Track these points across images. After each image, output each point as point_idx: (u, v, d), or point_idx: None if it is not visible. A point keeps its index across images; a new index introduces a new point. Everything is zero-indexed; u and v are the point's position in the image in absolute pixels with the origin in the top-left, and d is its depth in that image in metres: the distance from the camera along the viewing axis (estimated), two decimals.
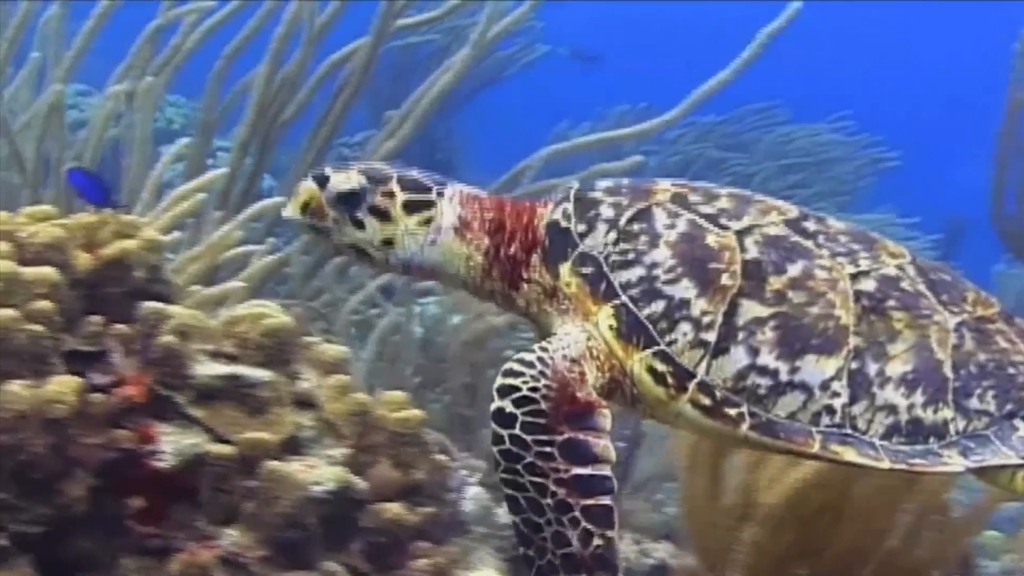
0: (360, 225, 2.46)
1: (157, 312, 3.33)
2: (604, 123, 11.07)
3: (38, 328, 3.18)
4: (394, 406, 3.50)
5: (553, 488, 2.26)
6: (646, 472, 5.27)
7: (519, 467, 2.27)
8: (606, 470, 2.29)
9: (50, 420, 3.03)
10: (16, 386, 3.04)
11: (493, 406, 2.32)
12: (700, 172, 11.15)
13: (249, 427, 3.27)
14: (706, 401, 2.36)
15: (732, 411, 2.35)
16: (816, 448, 2.34)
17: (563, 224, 2.50)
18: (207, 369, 3.30)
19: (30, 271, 3.24)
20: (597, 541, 2.25)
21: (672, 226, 2.43)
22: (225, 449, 3.22)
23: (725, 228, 2.43)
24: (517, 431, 2.28)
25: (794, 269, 2.40)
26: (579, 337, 2.40)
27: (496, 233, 2.53)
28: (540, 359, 2.35)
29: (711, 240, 2.42)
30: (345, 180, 2.46)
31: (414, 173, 2.52)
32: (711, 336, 2.35)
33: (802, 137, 11.99)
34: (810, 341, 2.35)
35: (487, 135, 12.79)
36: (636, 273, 2.40)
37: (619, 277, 2.40)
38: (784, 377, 2.35)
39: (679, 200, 2.48)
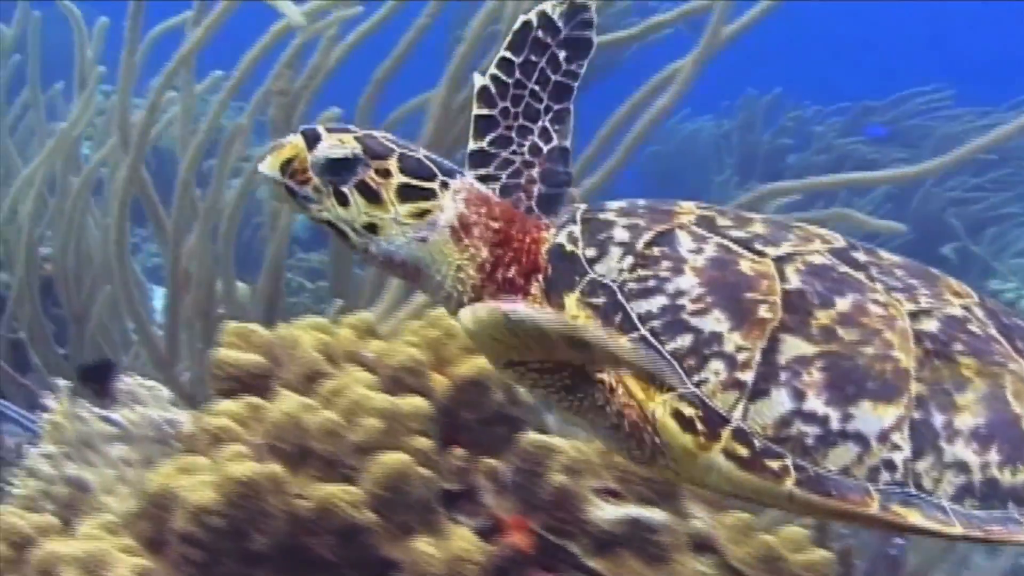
0: (343, 201, 2.12)
1: (542, 447, 2.89)
2: None
3: (427, 473, 2.75)
4: (793, 545, 3.05)
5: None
6: None
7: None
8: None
9: None
10: (424, 544, 2.61)
11: None
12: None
13: None
14: (743, 451, 2.00)
15: (774, 463, 1.99)
16: (875, 509, 1.98)
17: (568, 249, 2.16)
18: (605, 512, 2.85)
19: (406, 404, 2.81)
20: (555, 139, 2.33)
21: (699, 250, 2.10)
22: None
23: (761, 254, 2.10)
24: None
25: (843, 303, 2.07)
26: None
27: (498, 247, 2.19)
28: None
29: (745, 267, 2.08)
30: (338, 144, 2.12)
31: (420, 154, 2.17)
32: (748, 376, 2.01)
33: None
34: (865, 385, 2.01)
35: None
36: (657, 303, 2.06)
37: (637, 307, 2.06)
38: (835, 425, 2.00)
39: (706, 223, 2.16)
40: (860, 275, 2.11)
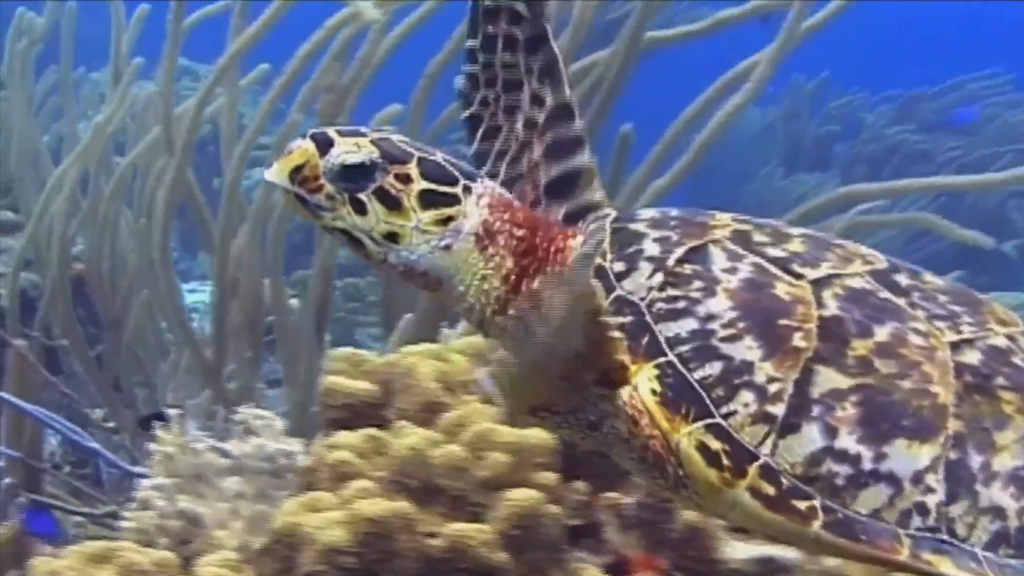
0: (361, 209, 1.99)
1: None
2: None
3: (555, 509, 2.66)
4: None
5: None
6: None
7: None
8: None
9: None
10: None
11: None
12: (903, 166, 9.37)
13: None
14: (769, 490, 1.90)
15: (802, 504, 1.89)
16: (905, 556, 1.88)
17: (596, 261, 2.05)
18: (736, 551, 2.77)
19: (533, 437, 2.72)
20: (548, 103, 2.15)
21: (733, 270, 1.98)
22: None
23: (799, 276, 1.99)
24: None
25: (882, 332, 1.96)
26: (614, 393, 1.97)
27: (523, 257, 2.07)
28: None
29: (781, 290, 1.97)
30: (353, 149, 1.98)
31: (439, 157, 2.04)
32: (779, 409, 1.91)
33: None
34: (900, 422, 1.91)
35: None
36: (687, 326, 1.95)
37: (666, 330, 1.95)
38: (867, 465, 1.90)
39: (741, 239, 2.04)
40: (901, 301, 2.01)
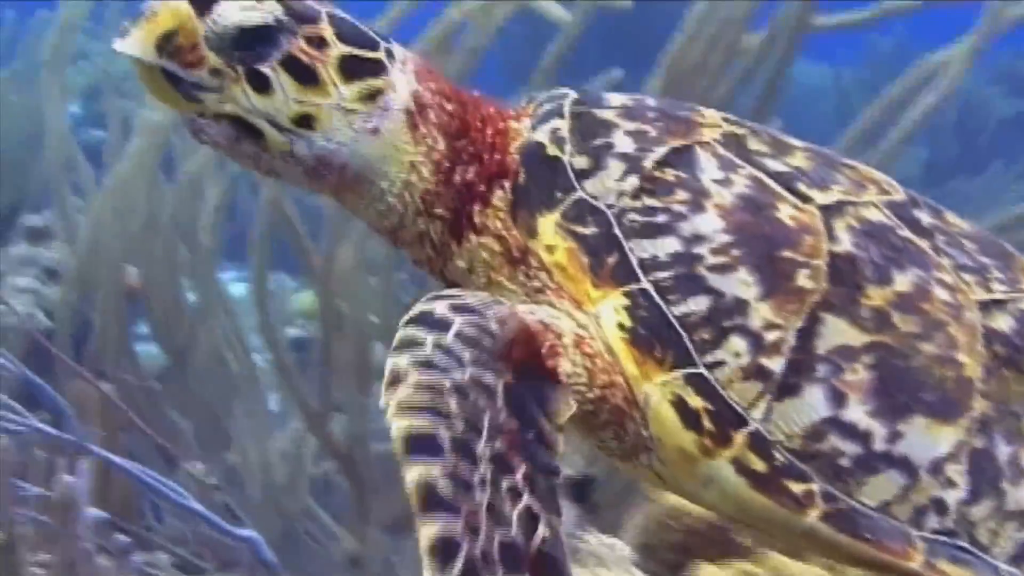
0: (263, 85, 1.55)
1: None
2: None
3: None
4: None
5: (490, 430, 1.43)
6: None
7: (446, 383, 1.42)
8: (553, 457, 1.46)
9: None
10: None
11: (405, 319, 1.49)
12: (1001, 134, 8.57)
13: None
14: (759, 465, 1.52)
15: (797, 487, 1.52)
16: (918, 563, 1.53)
17: (550, 151, 1.63)
18: None
19: None
20: (543, 531, 1.41)
21: (726, 182, 1.60)
22: None
23: (806, 199, 1.61)
24: (449, 340, 1.44)
25: (903, 280, 1.59)
26: (561, 318, 1.57)
27: (456, 139, 1.66)
28: (482, 305, 1.50)
29: (785, 214, 1.59)
30: (250, 6, 1.54)
31: (346, 16, 1.63)
32: (777, 364, 1.53)
33: None
34: (920, 395, 1.55)
35: None
36: (668, 247, 1.56)
37: (639, 249, 1.56)
38: (879, 445, 1.53)
39: (735, 143, 1.66)
40: (924, 243, 1.63)
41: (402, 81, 1.60)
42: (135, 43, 1.50)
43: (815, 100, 9.88)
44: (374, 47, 1.59)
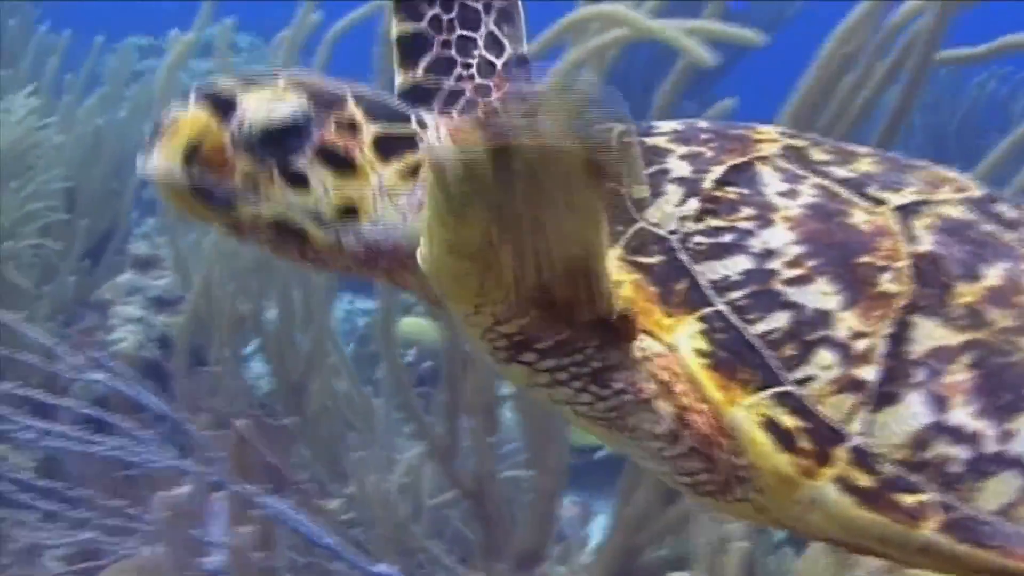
0: (300, 181, 1.49)
1: None
2: None
3: None
4: None
5: None
6: None
7: None
8: None
9: None
10: None
11: None
12: None
13: None
14: (865, 481, 1.44)
15: (909, 500, 1.43)
16: None
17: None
18: None
19: None
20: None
21: (792, 193, 1.54)
22: None
23: (879, 202, 1.55)
24: None
25: (993, 274, 1.51)
26: (635, 356, 1.50)
27: None
28: None
29: (859, 219, 1.52)
30: (272, 102, 1.47)
31: (369, 91, 1.58)
32: (869, 373, 1.46)
33: None
34: None
35: None
36: (739, 265, 1.50)
37: (709, 271, 1.50)
38: (990, 446, 1.44)
39: (796, 156, 1.61)
40: (1010, 236, 1.56)
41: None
42: (161, 164, 1.43)
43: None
44: (406, 120, 1.55)
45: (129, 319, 5.03)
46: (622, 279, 1.49)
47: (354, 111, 1.51)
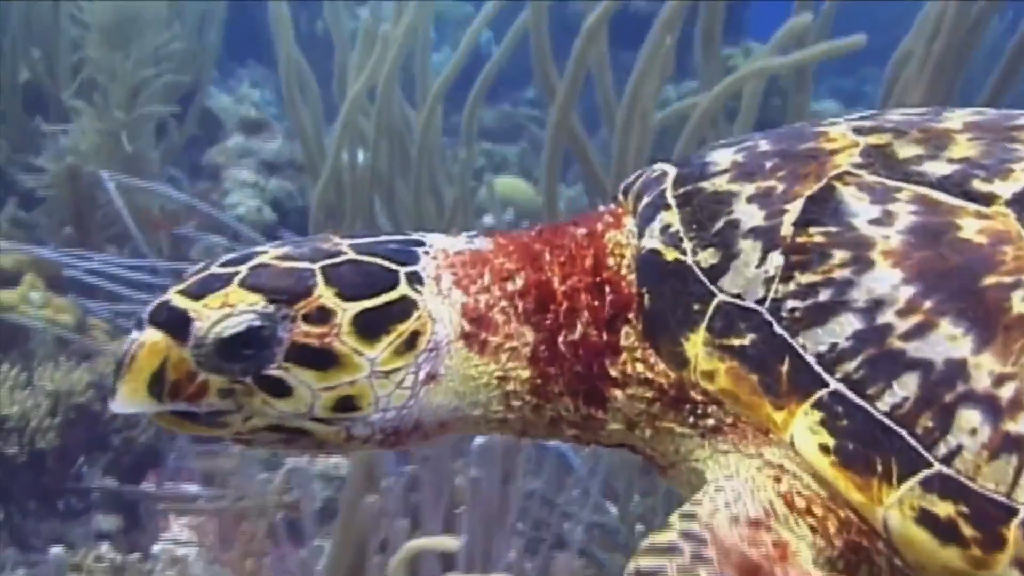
0: (280, 389, 1.34)
1: None
2: None
3: None
4: None
5: None
6: None
7: None
8: None
9: None
10: None
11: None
12: None
13: None
14: None
15: None
16: None
17: (669, 256, 1.37)
18: None
19: None
20: None
21: (886, 216, 1.30)
22: None
23: (989, 199, 1.31)
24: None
25: None
26: (755, 479, 1.32)
27: (541, 311, 1.41)
28: (687, 535, 1.27)
29: (971, 230, 1.29)
30: (223, 313, 1.32)
31: (344, 246, 1.39)
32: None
33: None
34: None
35: None
36: (845, 327, 1.28)
37: (814, 342, 1.28)
38: None
39: (881, 158, 1.36)
40: None
41: (443, 306, 1.39)
42: (127, 398, 1.32)
43: None
44: (390, 285, 1.36)
45: (244, 183, 5.04)
46: (715, 368, 1.30)
47: (324, 295, 1.33)
